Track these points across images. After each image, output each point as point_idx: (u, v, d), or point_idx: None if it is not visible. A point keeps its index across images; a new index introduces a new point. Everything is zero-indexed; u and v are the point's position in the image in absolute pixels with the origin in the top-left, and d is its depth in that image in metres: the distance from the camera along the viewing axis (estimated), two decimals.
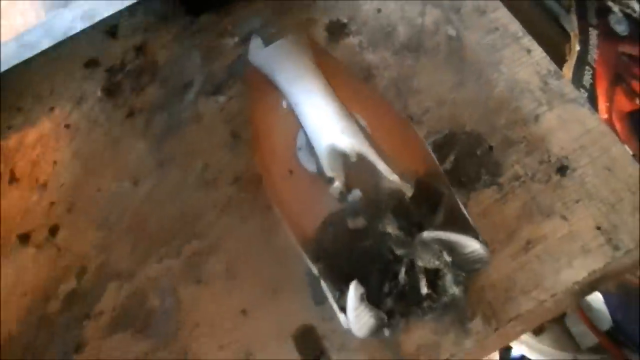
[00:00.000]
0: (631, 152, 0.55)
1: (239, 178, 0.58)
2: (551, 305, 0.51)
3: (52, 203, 0.60)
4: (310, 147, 0.51)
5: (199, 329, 0.54)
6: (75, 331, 0.55)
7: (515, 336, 0.52)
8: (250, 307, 0.54)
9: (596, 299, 0.78)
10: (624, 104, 0.68)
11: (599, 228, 0.52)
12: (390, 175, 0.45)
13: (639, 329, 0.75)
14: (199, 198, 0.58)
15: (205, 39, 0.65)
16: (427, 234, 0.47)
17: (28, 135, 0.64)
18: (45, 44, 0.63)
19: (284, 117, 0.53)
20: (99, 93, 0.64)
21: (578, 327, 0.80)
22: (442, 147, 0.55)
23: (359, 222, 0.49)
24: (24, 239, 0.60)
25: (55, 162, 0.62)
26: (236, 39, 0.64)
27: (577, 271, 0.51)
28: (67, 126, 0.64)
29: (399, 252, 0.47)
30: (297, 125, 0.53)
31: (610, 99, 0.68)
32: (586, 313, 0.78)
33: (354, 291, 0.46)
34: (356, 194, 0.45)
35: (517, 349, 0.82)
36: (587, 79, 0.67)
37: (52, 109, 0.65)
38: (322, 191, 0.51)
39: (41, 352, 0.55)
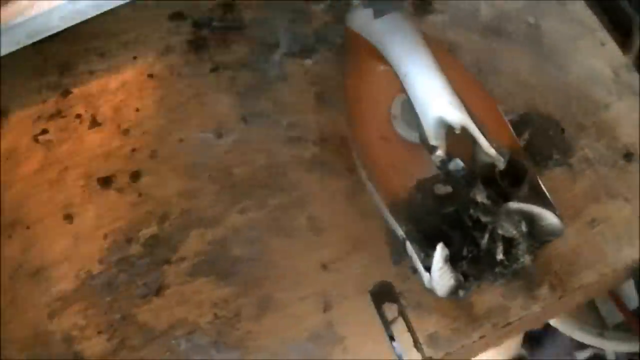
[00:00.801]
0: None
1: (324, 139, 0.61)
2: (611, 279, 0.55)
3: (134, 149, 0.63)
4: (407, 117, 0.55)
5: (280, 280, 0.57)
6: (155, 274, 0.58)
7: (577, 304, 0.56)
8: (331, 261, 0.57)
9: None
10: None
11: None
12: (488, 149, 0.49)
13: None
14: (283, 154, 0.61)
15: (294, 2, 0.67)
16: (512, 205, 0.50)
17: (110, 81, 0.66)
18: None
19: (379, 86, 0.57)
20: (184, 46, 0.67)
21: (606, 305, 0.85)
22: (517, 126, 0.59)
23: (446, 190, 0.53)
24: (106, 182, 0.62)
25: (138, 110, 0.65)
26: (323, 6, 0.67)
27: (637, 250, 0.55)
28: (150, 76, 0.66)
29: (485, 219, 0.51)
30: (392, 94, 0.56)
31: None
32: (615, 292, 0.83)
33: (440, 252, 0.50)
34: (458, 162, 0.49)
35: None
36: None
37: (135, 57, 0.67)
38: (415, 158, 0.54)
39: (121, 291, 0.58)
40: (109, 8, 0.64)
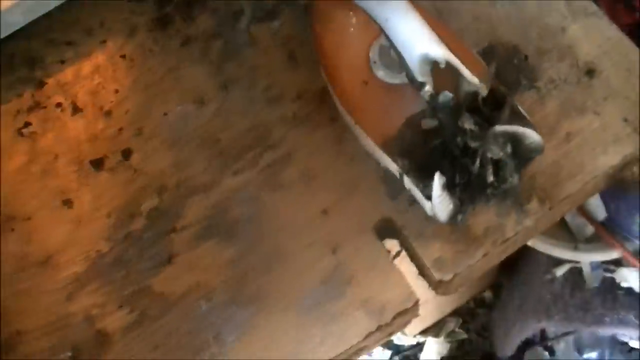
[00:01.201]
0: None
1: (302, 94, 0.64)
2: (592, 186, 0.60)
3: (120, 129, 0.65)
4: (386, 60, 0.58)
5: (284, 232, 0.60)
6: (163, 245, 0.60)
7: (563, 214, 0.60)
8: (330, 206, 0.60)
9: None
10: (624, 18, 0.77)
11: (625, 120, 0.60)
12: (472, 78, 0.52)
13: (630, 217, 0.86)
14: (266, 114, 0.63)
15: None
16: (498, 128, 0.54)
17: (83, 67, 0.68)
18: None
19: (353, 35, 0.59)
20: (150, 24, 0.68)
21: (576, 220, 0.90)
22: (483, 58, 0.62)
23: (433, 123, 0.56)
24: (98, 164, 0.63)
25: (116, 91, 0.66)
26: None
27: (612, 157, 0.59)
28: (122, 56, 0.67)
29: (474, 144, 0.54)
30: (368, 41, 0.59)
31: (613, 15, 0.77)
32: (583, 207, 0.88)
33: (438, 180, 0.53)
34: (446, 94, 0.52)
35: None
36: None
37: (104, 41, 0.68)
38: (397, 98, 0.58)
39: (133, 265, 0.60)
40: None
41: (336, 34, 0.59)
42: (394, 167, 0.57)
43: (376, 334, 0.57)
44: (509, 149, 0.55)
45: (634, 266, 0.90)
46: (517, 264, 1.07)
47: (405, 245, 0.58)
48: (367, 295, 0.57)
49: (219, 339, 0.57)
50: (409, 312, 0.57)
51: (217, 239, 0.60)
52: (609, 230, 0.88)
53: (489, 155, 0.55)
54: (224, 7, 0.68)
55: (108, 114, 0.65)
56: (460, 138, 0.54)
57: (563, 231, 0.93)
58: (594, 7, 0.64)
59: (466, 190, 0.56)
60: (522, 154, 0.56)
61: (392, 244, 0.59)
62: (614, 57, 0.63)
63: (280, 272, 0.59)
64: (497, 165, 0.56)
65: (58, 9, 0.68)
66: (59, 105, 0.66)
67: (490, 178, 0.56)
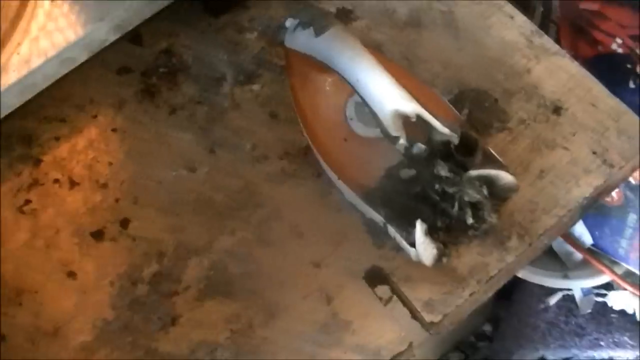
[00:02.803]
0: None
1: (287, 152, 0.67)
2: (568, 219, 0.63)
3: (117, 199, 0.68)
4: (362, 116, 0.61)
5: (280, 286, 0.62)
6: (166, 307, 0.63)
7: (544, 248, 0.63)
8: (321, 259, 0.63)
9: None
10: (587, 51, 0.81)
11: (594, 153, 0.64)
12: (442, 129, 0.55)
13: (615, 242, 0.89)
14: (254, 173, 0.66)
15: (227, 36, 0.73)
16: (472, 172, 0.57)
17: (77, 143, 0.71)
18: (83, 57, 0.69)
19: (329, 95, 0.63)
20: (138, 96, 0.72)
21: (564, 248, 0.93)
22: (455, 103, 0.66)
23: (410, 173, 0.59)
24: (98, 235, 0.66)
25: (110, 163, 0.69)
26: (255, 33, 0.73)
27: (584, 189, 0.63)
28: (114, 130, 0.71)
29: (451, 190, 0.57)
30: (343, 99, 0.63)
31: (575, 49, 0.81)
32: (569, 235, 0.91)
33: (420, 227, 0.56)
34: (419, 146, 0.55)
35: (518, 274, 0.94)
36: (551, 33, 0.80)
37: (95, 116, 0.72)
38: (378, 150, 0.61)
39: (139, 329, 0.62)
40: (60, 76, 0.69)
41: (313, 95, 0.63)
42: (377, 217, 0.60)
43: None
44: (485, 191, 0.58)
45: (624, 289, 0.92)
46: (513, 296, 1.10)
47: (395, 291, 0.61)
48: (363, 341, 0.60)
49: None
50: (403, 354, 0.59)
51: (218, 297, 0.63)
52: (596, 256, 0.91)
53: (466, 198, 0.58)
54: (207, 74, 0.72)
55: (104, 186, 0.68)
56: (437, 185, 0.58)
57: (552, 260, 0.96)
58: (555, 47, 0.68)
59: (448, 234, 0.59)
60: (498, 194, 0.60)
61: (384, 290, 0.62)
62: (578, 93, 0.66)
63: (280, 324, 0.61)
64: (476, 207, 0.59)
65: (49, 86, 0.71)
66: (56, 181, 0.69)
67: (470, 220, 0.59)
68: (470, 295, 0.60)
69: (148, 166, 0.69)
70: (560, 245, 0.94)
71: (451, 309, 0.59)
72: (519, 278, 0.96)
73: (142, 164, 0.69)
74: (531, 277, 0.94)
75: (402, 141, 0.55)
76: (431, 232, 0.57)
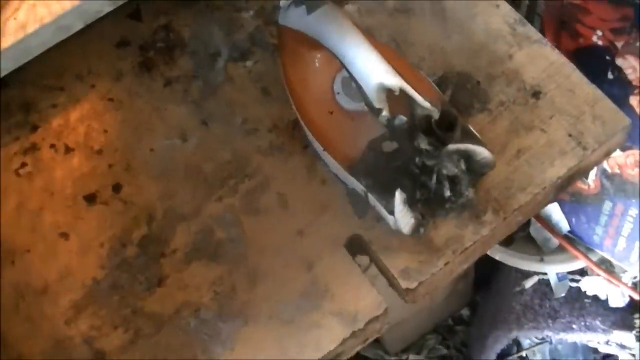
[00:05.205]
0: None
1: (276, 126, 0.70)
2: (542, 197, 0.65)
3: (110, 165, 0.70)
4: (348, 91, 0.64)
5: (264, 252, 0.65)
6: (153, 269, 0.66)
7: (518, 224, 0.66)
8: (304, 227, 0.65)
9: (554, 208, 0.93)
10: (569, 44, 0.84)
11: (570, 135, 0.66)
12: (424, 103, 0.58)
13: (590, 229, 0.92)
14: (243, 145, 0.69)
15: (224, 15, 0.75)
16: (451, 146, 0.60)
17: (74, 111, 0.73)
18: (78, 26, 0.71)
19: (318, 70, 0.66)
20: (135, 68, 0.74)
21: (541, 234, 0.96)
22: (439, 85, 0.69)
23: (393, 146, 0.62)
24: (91, 198, 0.69)
25: (105, 131, 0.72)
26: (251, 12, 0.75)
27: (559, 169, 0.65)
28: (110, 99, 0.73)
29: (430, 163, 0.60)
30: (331, 74, 0.65)
31: (558, 41, 0.84)
32: (546, 221, 0.94)
33: (399, 196, 0.59)
34: (401, 118, 0.58)
35: (495, 256, 0.97)
36: (536, 25, 0.83)
37: (93, 86, 0.74)
38: (361, 124, 0.64)
39: (126, 289, 0.65)
40: (54, 43, 0.71)
41: (302, 70, 0.66)
42: (359, 187, 0.63)
43: (351, 340, 0.62)
44: (462, 165, 0.61)
45: (597, 275, 0.95)
46: (490, 281, 1.13)
47: (374, 259, 0.64)
48: (341, 306, 0.62)
49: (207, 352, 0.62)
50: (379, 318, 0.62)
51: (203, 260, 0.66)
52: (572, 242, 0.94)
53: (445, 172, 0.61)
54: (202, 50, 0.74)
55: (99, 152, 0.71)
56: (418, 158, 0.60)
57: (530, 245, 0.99)
58: (537, 35, 0.71)
59: (426, 205, 0.62)
60: (475, 169, 0.62)
61: (363, 258, 0.65)
62: (557, 80, 0.69)
63: (262, 289, 0.64)
64: (453, 181, 0.62)
65: (49, 56, 0.73)
66: (52, 146, 0.71)
67: (447, 193, 0.62)
68: (445, 264, 0.62)
69: (142, 135, 0.71)
70: (537, 230, 0.97)
71: (426, 277, 0.62)
72: (498, 265, 0.99)
73: (136, 133, 0.72)
74: (509, 260, 0.97)
75: (385, 113, 0.58)
76: (410, 204, 0.60)
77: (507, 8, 0.72)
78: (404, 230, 0.61)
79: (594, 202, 0.90)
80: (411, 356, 1.27)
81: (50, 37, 0.71)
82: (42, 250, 0.67)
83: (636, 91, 0.83)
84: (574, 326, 0.96)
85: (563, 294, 0.98)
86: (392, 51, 0.68)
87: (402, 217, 0.60)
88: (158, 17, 0.77)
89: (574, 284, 0.99)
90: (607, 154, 0.69)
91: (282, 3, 0.64)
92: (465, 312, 1.30)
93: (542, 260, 0.96)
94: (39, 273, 0.66)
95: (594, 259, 0.94)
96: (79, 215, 0.69)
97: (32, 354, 0.64)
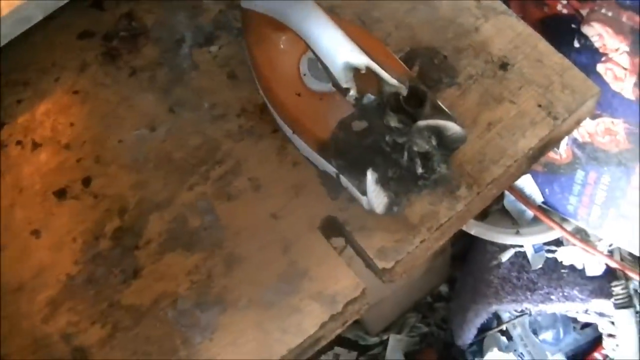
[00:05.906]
0: None
1: (244, 110, 0.69)
2: (515, 169, 0.65)
3: (79, 159, 0.69)
4: (315, 72, 0.63)
5: (238, 237, 0.65)
6: (128, 261, 0.65)
7: (492, 197, 0.66)
8: (278, 211, 0.65)
9: (527, 180, 0.94)
10: (535, 13, 0.84)
11: (540, 105, 0.66)
12: (391, 80, 0.58)
13: (564, 199, 0.92)
14: (213, 131, 0.68)
15: (187, 0, 0.75)
16: (421, 123, 0.60)
17: (40, 105, 0.72)
18: (39, 16, 0.70)
19: (284, 52, 0.65)
20: (99, 59, 0.73)
21: (515, 206, 0.96)
22: (407, 61, 0.68)
23: (362, 125, 0.62)
24: (61, 194, 0.68)
25: (72, 124, 0.71)
26: None
27: (530, 140, 0.65)
28: (75, 92, 0.72)
29: (400, 140, 0.60)
30: (297, 56, 0.65)
31: (524, 11, 0.84)
32: (520, 193, 0.94)
33: (370, 176, 0.59)
34: (369, 96, 0.58)
35: (471, 231, 0.98)
36: None
37: (57, 79, 0.73)
38: (330, 104, 0.63)
39: (102, 283, 0.64)
40: (15, 35, 0.70)
41: (268, 52, 0.65)
42: (331, 169, 0.62)
43: (330, 324, 0.61)
44: (433, 141, 0.61)
45: (573, 245, 0.96)
46: (468, 256, 1.13)
47: (350, 240, 0.64)
48: (319, 288, 0.62)
49: (187, 342, 0.62)
50: (357, 300, 0.62)
51: (178, 249, 0.65)
52: (546, 213, 0.94)
53: (416, 149, 0.60)
54: (166, 36, 0.73)
55: (66, 146, 0.70)
56: (388, 136, 0.60)
57: (505, 218, 0.99)
58: (503, 6, 0.70)
59: (399, 183, 0.62)
60: (446, 145, 0.62)
61: (339, 239, 0.64)
62: (525, 50, 0.69)
63: (239, 274, 0.63)
64: (425, 157, 0.61)
65: (11, 50, 0.72)
66: (19, 142, 0.70)
67: (420, 170, 0.61)
68: (421, 242, 0.62)
69: (109, 126, 0.71)
70: (512, 203, 0.97)
71: (402, 256, 0.62)
72: (474, 240, 0.99)
73: (103, 125, 0.71)
74: (484, 234, 0.97)
75: (353, 92, 0.57)
76: (383, 182, 0.60)
77: None
78: (377, 210, 0.60)
79: (567, 172, 0.90)
80: (392, 335, 1.27)
81: (10, 30, 0.70)
82: (15, 248, 0.67)
83: (603, 59, 0.83)
84: (552, 297, 0.97)
85: (540, 266, 0.99)
86: (358, 28, 0.67)
87: (375, 197, 0.60)
88: (120, 6, 0.76)
89: (550, 255, 0.99)
90: (578, 123, 0.69)
91: None
92: (444, 288, 1.31)
93: (517, 232, 0.97)
94: (13, 271, 0.66)
95: (569, 228, 0.95)
96: (50, 211, 0.68)
97: (12, 353, 0.63)
